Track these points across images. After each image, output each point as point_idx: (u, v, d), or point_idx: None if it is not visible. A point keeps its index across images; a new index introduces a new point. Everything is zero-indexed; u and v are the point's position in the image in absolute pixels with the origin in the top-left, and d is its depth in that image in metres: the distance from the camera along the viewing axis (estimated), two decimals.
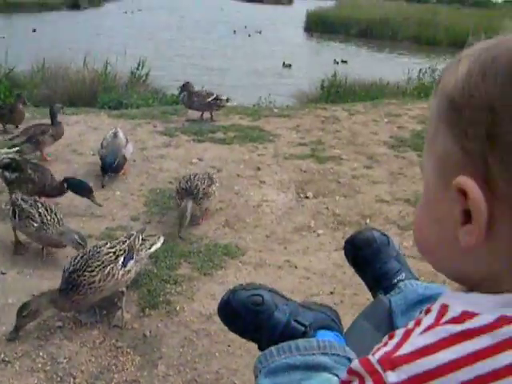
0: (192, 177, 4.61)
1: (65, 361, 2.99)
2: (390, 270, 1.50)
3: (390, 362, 0.63)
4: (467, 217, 0.63)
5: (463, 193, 0.62)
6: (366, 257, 1.52)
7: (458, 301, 0.66)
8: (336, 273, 3.95)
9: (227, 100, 7.48)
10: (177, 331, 3.29)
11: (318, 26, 28.88)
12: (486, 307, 0.63)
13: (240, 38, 24.24)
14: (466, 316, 0.63)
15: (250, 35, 24.73)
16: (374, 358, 0.65)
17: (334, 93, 11.59)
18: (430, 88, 11.61)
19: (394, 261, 1.52)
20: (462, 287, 0.73)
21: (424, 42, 25.57)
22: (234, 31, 26.52)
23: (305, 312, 1.27)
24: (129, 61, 11.87)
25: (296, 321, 1.23)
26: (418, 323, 0.67)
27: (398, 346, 0.65)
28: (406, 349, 0.63)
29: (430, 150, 0.70)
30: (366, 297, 3.45)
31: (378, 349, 0.67)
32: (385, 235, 1.57)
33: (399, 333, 0.68)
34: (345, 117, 7.96)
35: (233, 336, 3.21)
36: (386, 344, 0.67)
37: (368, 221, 4.73)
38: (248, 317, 1.23)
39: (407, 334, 0.66)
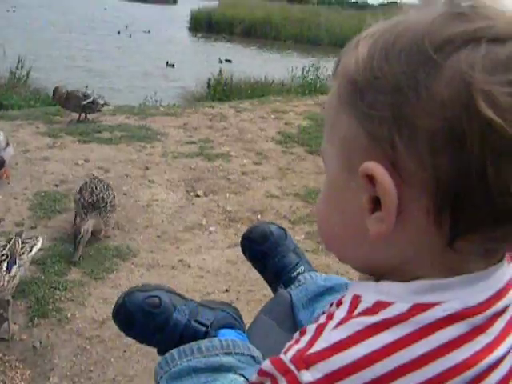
0: (94, 188, 4.28)
1: None
2: (288, 264, 1.49)
3: (304, 361, 0.59)
4: (375, 204, 0.60)
5: (370, 179, 0.59)
6: (264, 251, 1.50)
7: (369, 291, 0.63)
8: (230, 270, 3.94)
9: (103, 104, 7.23)
10: (69, 340, 3.16)
11: (203, 25, 28.93)
12: (399, 296, 0.60)
13: (124, 39, 23.79)
14: (379, 306, 0.60)
15: (130, 35, 24.27)
16: (286, 357, 0.61)
17: (221, 91, 11.63)
18: (314, 85, 11.94)
19: (292, 254, 1.51)
20: (368, 277, 0.70)
21: (306, 41, 26.20)
22: (119, 32, 26.03)
23: (205, 311, 1.23)
24: (8, 61, 11.37)
25: (196, 321, 1.19)
26: (330, 317, 0.63)
27: (311, 342, 0.61)
28: (319, 345, 0.60)
29: (331, 136, 0.66)
30: (261, 293, 3.47)
31: (290, 347, 0.63)
32: (281, 228, 1.56)
33: (311, 328, 0.64)
34: (232, 114, 7.98)
35: (128, 341, 3.15)
36: (297, 341, 0.63)
37: (259, 216, 4.76)
38: (145, 320, 1.18)
39: (320, 330, 0.62)
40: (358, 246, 0.66)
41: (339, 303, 0.65)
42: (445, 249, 0.59)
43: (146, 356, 2.99)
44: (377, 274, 0.66)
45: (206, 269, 3.97)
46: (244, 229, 4.27)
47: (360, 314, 0.60)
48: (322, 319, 0.64)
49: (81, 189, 4.35)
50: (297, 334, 0.66)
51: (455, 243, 0.58)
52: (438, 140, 0.54)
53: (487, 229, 0.57)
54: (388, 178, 0.57)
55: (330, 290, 1.32)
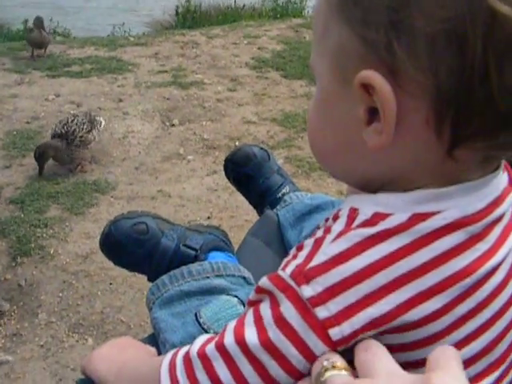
0: (70, 120, 4.23)
1: None
2: (273, 184, 1.49)
3: (304, 275, 0.58)
4: (372, 115, 0.58)
5: (366, 88, 0.56)
6: (248, 173, 1.50)
7: (367, 203, 0.62)
8: (210, 197, 3.94)
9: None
10: (54, 276, 3.16)
11: None
12: (397, 206, 0.59)
13: None
14: (378, 217, 0.59)
15: None
16: (284, 273, 0.60)
17: (190, 18, 11.36)
18: (285, 8, 11.71)
19: (276, 175, 1.51)
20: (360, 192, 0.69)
21: None
22: None
23: (193, 235, 1.23)
24: None
25: (185, 245, 1.19)
26: (328, 231, 0.62)
27: (310, 257, 0.60)
28: (318, 259, 0.59)
29: (321, 46, 0.63)
30: (243, 218, 3.48)
31: (288, 262, 0.62)
32: (264, 150, 1.55)
33: (309, 243, 0.62)
34: (204, 41, 7.81)
35: (114, 273, 3.16)
36: (295, 256, 0.62)
37: (237, 143, 4.72)
38: (133, 247, 1.17)
39: (318, 244, 0.61)
40: (355, 159, 0.64)
41: (336, 217, 0.64)
42: (444, 158, 0.58)
43: (132, 287, 3.01)
44: (373, 188, 0.65)
45: (186, 197, 3.96)
46: (222, 156, 4.26)
47: (358, 226, 0.59)
48: (320, 233, 0.63)
49: (59, 121, 4.34)
50: (294, 250, 0.65)
51: (455, 152, 0.57)
52: (438, 43, 0.52)
53: (489, 135, 0.56)
54: (387, 85, 0.54)
55: (317, 209, 1.33)
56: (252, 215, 3.26)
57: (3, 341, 2.74)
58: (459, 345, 0.59)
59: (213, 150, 4.63)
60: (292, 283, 0.58)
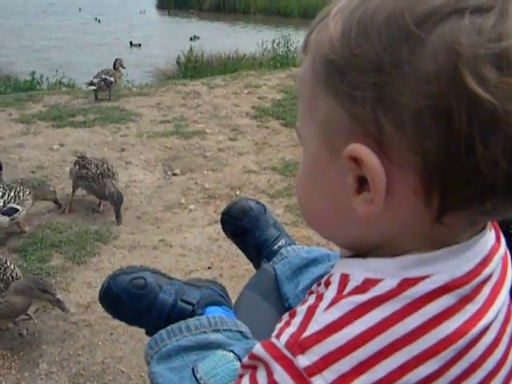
0: (94, 161, 4.48)
1: None
2: (269, 237, 1.49)
3: (299, 346, 0.59)
4: (361, 184, 0.59)
5: (355, 160, 0.57)
6: (244, 226, 1.50)
7: (357, 269, 0.63)
8: (212, 247, 3.96)
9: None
10: (55, 326, 3.16)
11: (171, 1, 28.52)
12: (387, 272, 0.60)
13: (85, 18, 23.22)
14: (369, 284, 0.60)
15: (97, 19, 23.51)
16: (279, 342, 0.61)
17: (192, 68, 11.54)
18: (285, 58, 11.90)
19: (272, 228, 1.52)
20: (351, 251, 0.70)
21: (276, 13, 25.95)
22: (79, 8, 25.43)
23: (190, 290, 1.24)
24: None
25: (183, 300, 1.20)
26: (320, 298, 0.63)
27: (304, 325, 0.61)
28: (312, 328, 0.60)
29: (308, 115, 0.64)
30: (243, 268, 3.49)
31: (282, 330, 0.62)
32: (260, 204, 1.57)
33: (301, 310, 0.63)
34: (205, 91, 7.92)
35: (115, 323, 3.15)
36: (288, 324, 0.63)
37: (238, 192, 4.76)
38: (132, 302, 1.18)
39: (311, 312, 0.62)
40: (344, 224, 0.65)
41: (327, 283, 0.65)
42: (432, 224, 0.59)
43: (132, 337, 3.01)
44: (362, 250, 0.66)
45: (187, 247, 3.97)
46: (223, 205, 4.28)
47: (350, 293, 0.60)
48: (312, 301, 0.64)
49: (82, 166, 4.46)
50: (286, 316, 0.66)
51: (444, 218, 0.58)
52: (424, 118, 0.53)
53: (477, 203, 0.57)
54: (375, 158, 0.56)
55: (313, 262, 1.33)
56: (252, 265, 3.23)
57: None
58: None
59: (214, 200, 4.66)
60: (287, 353, 0.59)
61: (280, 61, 11.63)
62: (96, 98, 7.39)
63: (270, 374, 0.60)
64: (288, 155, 5.63)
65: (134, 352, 2.94)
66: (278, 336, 0.62)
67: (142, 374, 2.81)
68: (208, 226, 4.24)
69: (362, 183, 0.59)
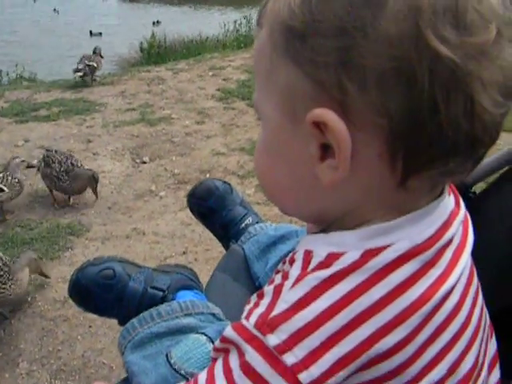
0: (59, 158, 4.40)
1: None
2: (236, 216, 1.50)
3: (268, 325, 0.59)
4: (325, 151, 0.59)
5: (318, 126, 0.57)
6: (211, 206, 1.51)
7: (320, 244, 0.64)
8: (185, 232, 3.94)
9: None
10: (33, 323, 3.12)
11: None
12: (350, 244, 0.61)
13: (42, 10, 22.78)
14: (332, 258, 0.60)
15: (56, 10, 23.02)
16: (249, 323, 0.61)
17: (155, 54, 11.42)
18: (248, 37, 11.83)
19: (239, 207, 1.52)
20: (316, 226, 0.70)
21: None
22: (34, 0, 24.97)
23: (160, 276, 1.24)
24: None
25: (153, 287, 1.20)
26: (285, 277, 0.63)
27: (271, 305, 0.61)
28: (280, 307, 0.60)
29: (267, 86, 0.64)
30: (218, 250, 3.48)
31: (251, 311, 0.63)
32: (226, 183, 1.57)
33: (269, 291, 0.64)
34: (170, 76, 7.86)
35: (92, 316, 3.11)
36: (257, 305, 0.63)
37: (208, 175, 4.73)
38: (102, 293, 1.18)
39: (278, 291, 0.62)
40: (307, 195, 0.65)
41: (292, 260, 0.65)
42: (396, 188, 0.59)
43: (111, 328, 2.99)
44: (325, 223, 0.66)
45: (160, 234, 3.95)
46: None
47: (314, 269, 0.61)
48: (278, 280, 0.64)
49: (46, 164, 4.37)
50: (254, 297, 0.67)
51: (407, 182, 0.58)
52: (388, 80, 0.53)
53: (440, 163, 0.57)
54: (341, 123, 0.56)
55: (281, 239, 1.34)
56: (222, 245, 3.25)
57: None
58: (424, 370, 0.61)
59: (184, 185, 4.63)
60: (257, 333, 0.59)
61: (243, 41, 11.58)
62: (85, 82, 7.54)
63: (241, 355, 0.61)
64: (255, 135, 5.59)
65: (114, 343, 2.92)
66: (247, 317, 0.62)
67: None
68: (180, 212, 4.23)
69: (326, 150, 0.59)
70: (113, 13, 23.29)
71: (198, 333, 1.04)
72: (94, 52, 7.72)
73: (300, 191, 0.66)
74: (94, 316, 3.06)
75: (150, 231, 3.99)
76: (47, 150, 4.60)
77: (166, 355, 1.01)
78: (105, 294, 1.17)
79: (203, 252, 3.65)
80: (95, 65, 7.46)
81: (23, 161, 4.39)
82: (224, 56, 9.11)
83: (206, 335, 1.03)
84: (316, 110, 0.57)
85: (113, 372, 2.78)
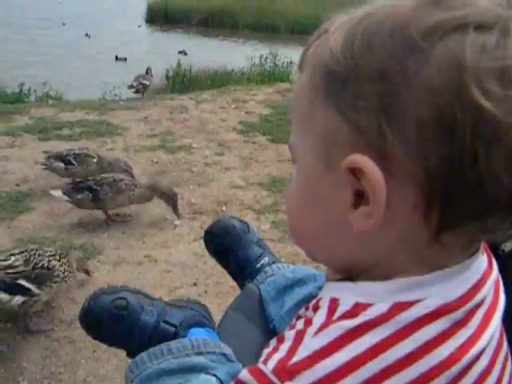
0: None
1: None
2: (252, 256, 1.48)
3: (287, 372, 0.57)
4: (359, 199, 0.58)
5: (354, 173, 0.56)
6: (227, 245, 1.49)
7: (347, 292, 0.62)
8: (197, 263, 3.92)
9: None
10: (37, 342, 3.10)
11: (160, 17, 28.54)
12: (378, 296, 0.59)
13: (74, 34, 23.12)
14: (358, 308, 0.58)
15: (87, 35, 23.33)
16: (266, 368, 0.59)
17: (180, 83, 11.55)
18: (272, 73, 11.92)
19: (255, 246, 1.51)
20: (338, 273, 0.69)
21: (263, 29, 26.07)
22: (64, 23, 25.37)
23: (173, 311, 1.22)
24: None
25: (165, 321, 1.18)
26: (308, 323, 0.61)
27: (292, 351, 0.59)
28: (301, 354, 0.58)
29: (304, 129, 0.63)
30: (229, 284, 3.46)
31: (269, 356, 0.61)
32: (244, 222, 1.56)
33: (289, 336, 0.62)
34: (192, 106, 7.93)
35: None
36: (276, 350, 0.61)
37: (224, 208, 4.74)
38: (113, 323, 1.16)
39: (299, 337, 0.60)
40: (337, 242, 0.64)
41: (316, 307, 0.63)
42: (430, 242, 0.58)
43: (116, 355, 2.96)
44: (351, 270, 0.65)
45: (172, 263, 3.93)
46: (210, 221, 4.24)
47: (340, 318, 0.59)
48: (300, 325, 0.62)
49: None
50: (274, 341, 0.65)
51: (441, 236, 0.57)
52: (429, 129, 0.52)
53: (477, 220, 0.56)
54: (377, 170, 0.55)
55: (298, 282, 1.32)
56: (236, 284, 3.22)
57: None
58: None
59: (200, 215, 4.63)
60: (275, 379, 0.57)
61: (267, 76, 11.67)
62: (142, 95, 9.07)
63: None
64: (275, 171, 5.63)
65: (118, 370, 2.90)
66: (265, 362, 0.60)
67: None
68: (194, 242, 4.21)
69: (360, 197, 0.58)
70: (142, 39, 23.61)
71: (208, 373, 1.02)
72: (147, 72, 9.52)
73: (329, 237, 0.64)
74: None
75: (162, 259, 3.97)
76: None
77: None
78: (116, 324, 1.15)
79: (214, 285, 3.62)
80: (147, 83, 9.33)
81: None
82: (248, 89, 9.19)
83: (216, 377, 1.01)
84: (353, 155, 0.56)
85: None
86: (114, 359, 2.96)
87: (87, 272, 3.52)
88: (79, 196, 4.30)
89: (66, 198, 4.34)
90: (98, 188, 4.27)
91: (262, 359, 0.62)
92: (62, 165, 4.86)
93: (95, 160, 4.82)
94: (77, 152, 4.87)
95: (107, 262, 3.90)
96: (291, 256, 3.80)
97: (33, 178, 5.25)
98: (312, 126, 0.61)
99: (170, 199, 4.37)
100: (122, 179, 4.31)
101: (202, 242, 3.96)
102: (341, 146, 0.58)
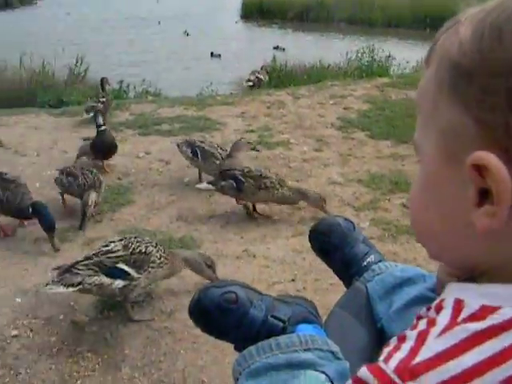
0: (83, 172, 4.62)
1: (24, 371, 2.87)
2: (358, 254, 1.47)
3: (410, 372, 0.55)
4: (483, 197, 0.56)
5: (478, 170, 0.54)
6: (332, 243, 1.48)
7: (472, 294, 0.59)
8: (295, 259, 3.91)
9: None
10: (138, 331, 3.19)
11: (254, 12, 28.74)
12: (506, 299, 0.56)
13: (168, 30, 23.65)
14: (485, 311, 0.56)
15: (187, 33, 23.80)
16: (387, 367, 0.57)
17: (276, 78, 11.59)
18: (370, 67, 11.76)
19: (361, 244, 1.49)
20: (455, 274, 0.67)
21: (359, 22, 25.73)
22: (159, 22, 26.03)
23: (281, 306, 1.21)
24: (66, 58, 11.61)
25: (273, 316, 1.17)
26: (432, 323, 0.59)
27: (415, 351, 0.57)
28: (424, 354, 0.56)
29: (428, 125, 0.62)
30: (328, 282, 3.44)
31: (390, 355, 0.59)
32: (349, 220, 1.54)
33: (411, 335, 0.60)
34: (290, 101, 7.94)
35: (197, 332, 3.13)
36: (397, 348, 0.60)
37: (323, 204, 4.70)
38: (222, 316, 1.16)
39: (422, 337, 0.58)
40: (457, 240, 0.62)
41: (439, 308, 0.62)
42: None
43: (215, 347, 3.00)
44: (471, 271, 0.62)
45: (271, 258, 3.94)
46: (308, 217, 4.23)
47: (465, 320, 0.57)
48: (422, 326, 0.61)
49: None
50: (394, 340, 0.63)
51: None
52: None
53: None
54: (503, 168, 0.53)
55: (407, 281, 1.29)
56: (337, 279, 3.15)
57: None
58: None
59: (299, 211, 4.62)
60: (396, 379, 0.56)
61: (365, 71, 11.52)
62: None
63: None
64: (374, 167, 5.55)
65: (216, 362, 2.94)
66: (386, 360, 0.59)
67: None
68: (292, 238, 4.21)
69: (484, 195, 0.56)
70: (238, 35, 23.88)
71: (316, 370, 1.01)
72: (262, 68, 10.64)
73: (450, 235, 0.63)
74: (199, 332, 3.09)
75: (260, 254, 3.99)
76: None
77: None
78: (224, 317, 1.16)
79: (312, 281, 3.60)
80: (262, 77, 10.36)
81: (249, 143, 5.14)
82: (345, 84, 9.10)
83: (325, 374, 1.00)
84: (478, 152, 0.54)
85: None
86: (213, 351, 3.00)
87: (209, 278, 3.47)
88: (223, 183, 4.46)
89: (210, 186, 4.56)
90: (243, 180, 4.39)
91: (382, 357, 0.60)
92: (189, 152, 5.11)
93: (218, 162, 4.96)
94: (206, 148, 5.05)
95: None
96: (391, 255, 3.74)
97: (133, 172, 5.43)
98: (436, 122, 0.60)
99: (318, 201, 4.36)
100: (268, 177, 4.38)
101: (300, 238, 3.98)
102: (465, 142, 0.56)
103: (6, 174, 4.36)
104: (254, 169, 4.53)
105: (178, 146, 5.24)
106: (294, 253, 3.99)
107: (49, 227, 4.03)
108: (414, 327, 0.62)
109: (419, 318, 0.65)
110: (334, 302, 1.36)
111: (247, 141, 5.29)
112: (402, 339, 0.62)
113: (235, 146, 5.05)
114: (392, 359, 0.58)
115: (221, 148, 5.13)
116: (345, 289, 1.44)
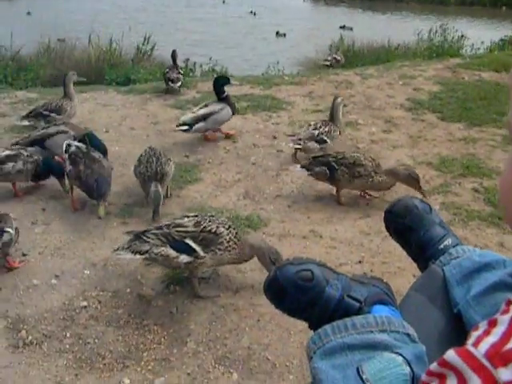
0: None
1: (92, 341, 2.95)
2: (434, 236, 1.44)
3: (501, 357, 0.53)
4: None
5: None
6: (408, 224, 1.46)
7: None
8: (363, 241, 3.87)
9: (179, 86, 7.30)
10: (204, 307, 3.23)
11: None
12: None
13: (235, 9, 23.65)
14: None
15: (253, 12, 23.70)
16: (477, 351, 0.56)
17: (343, 57, 11.47)
18: (442, 47, 11.49)
19: (438, 227, 1.47)
20: None
21: (430, 1, 25.08)
22: (224, 1, 26.03)
23: (357, 286, 1.20)
24: (133, 36, 11.77)
25: (349, 296, 1.16)
26: None
27: (507, 336, 0.55)
28: None
29: None
30: (396, 265, 3.39)
31: (480, 339, 0.57)
32: (425, 203, 1.52)
33: (503, 320, 0.58)
34: (358, 81, 7.83)
35: (262, 309, 3.16)
36: (488, 333, 0.58)
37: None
38: (297, 294, 1.16)
39: None
40: None
41: None
42: None
43: (279, 325, 3.01)
44: None
45: (338, 239, 3.92)
46: (376, 200, 4.16)
47: None
48: None
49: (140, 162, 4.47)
50: (484, 324, 0.61)
51: None
52: None
53: None
54: None
55: (486, 267, 1.26)
56: (406, 262, 3.15)
57: (153, 364, 2.83)
58: None
59: (365, 193, 4.57)
60: (487, 364, 0.54)
61: (436, 51, 11.26)
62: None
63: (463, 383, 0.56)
64: (444, 150, 5.43)
65: (281, 340, 2.95)
66: (475, 344, 0.57)
67: (288, 364, 2.80)
68: (360, 220, 4.16)
69: None
70: (305, 15, 23.67)
71: (393, 352, 1.00)
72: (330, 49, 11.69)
73: None
74: (264, 310, 3.11)
75: (327, 235, 3.97)
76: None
77: (357, 369, 0.97)
78: (300, 295, 1.16)
79: (380, 264, 3.55)
80: (339, 58, 11.07)
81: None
82: (415, 65, 8.91)
83: (402, 356, 0.98)
84: None
85: (275, 369, 2.79)
86: (278, 330, 3.00)
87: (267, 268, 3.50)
88: (317, 169, 4.44)
89: (304, 170, 4.52)
90: (337, 167, 4.36)
91: (471, 341, 0.59)
92: (315, 133, 5.14)
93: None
94: (326, 130, 5.15)
95: (272, 235, 3.96)
96: (461, 240, 3.65)
97: (200, 150, 5.46)
98: None
99: (414, 181, 4.24)
100: (363, 165, 4.32)
101: (367, 220, 3.92)
102: None
103: (93, 151, 4.46)
104: (349, 155, 4.45)
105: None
106: (361, 235, 3.95)
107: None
108: (505, 312, 0.61)
109: (510, 303, 0.63)
110: (401, 286, 1.34)
111: (342, 98, 5.44)
112: (493, 323, 0.60)
113: (336, 106, 5.27)
114: (482, 343, 0.57)
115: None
116: (413, 272, 1.42)
